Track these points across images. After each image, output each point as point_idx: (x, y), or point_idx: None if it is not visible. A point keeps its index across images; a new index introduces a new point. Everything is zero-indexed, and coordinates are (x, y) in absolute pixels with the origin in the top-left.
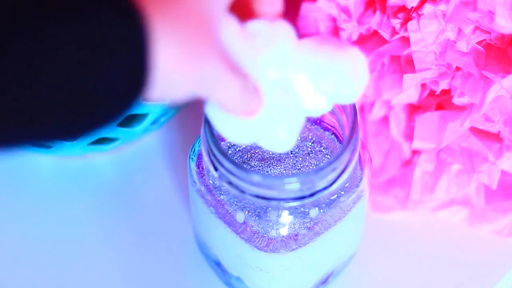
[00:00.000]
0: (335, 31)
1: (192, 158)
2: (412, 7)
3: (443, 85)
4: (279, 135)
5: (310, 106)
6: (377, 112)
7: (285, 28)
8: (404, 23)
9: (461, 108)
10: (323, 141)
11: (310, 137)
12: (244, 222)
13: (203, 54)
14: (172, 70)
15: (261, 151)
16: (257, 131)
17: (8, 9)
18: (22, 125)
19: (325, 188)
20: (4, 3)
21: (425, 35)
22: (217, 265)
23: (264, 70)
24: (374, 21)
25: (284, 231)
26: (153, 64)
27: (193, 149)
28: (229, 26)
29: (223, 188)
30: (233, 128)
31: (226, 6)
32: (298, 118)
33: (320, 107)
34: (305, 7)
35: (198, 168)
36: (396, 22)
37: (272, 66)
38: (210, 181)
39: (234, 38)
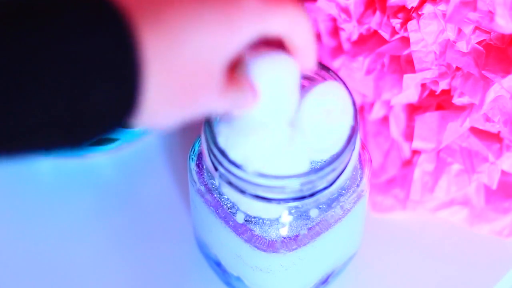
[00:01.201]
0: (335, 31)
1: (192, 158)
2: (412, 7)
3: (443, 85)
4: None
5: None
6: (377, 112)
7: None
8: (404, 23)
9: (461, 108)
10: None
11: None
12: (244, 223)
13: (195, 95)
14: (160, 109)
15: None
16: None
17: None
18: (8, 144)
19: (325, 188)
20: None
21: (425, 35)
22: (217, 265)
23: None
24: (374, 21)
25: (284, 231)
26: (141, 99)
27: (193, 149)
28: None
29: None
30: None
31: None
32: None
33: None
34: (305, 7)
35: (198, 168)
36: (396, 22)
37: None
38: (211, 181)
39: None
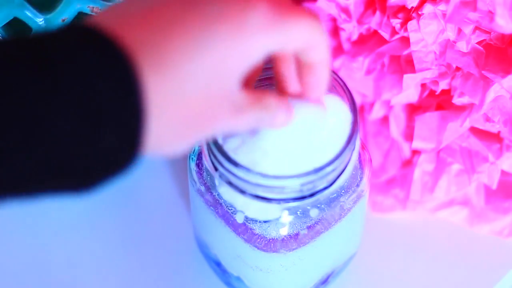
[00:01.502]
0: (335, 31)
1: (192, 158)
2: (412, 7)
3: (443, 85)
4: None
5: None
6: (377, 112)
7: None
8: (404, 23)
9: (461, 108)
10: None
11: None
12: (244, 223)
13: (208, 121)
14: (168, 143)
15: None
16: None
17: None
18: (15, 191)
19: (325, 188)
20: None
21: (425, 35)
22: (217, 265)
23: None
24: (374, 21)
25: (284, 231)
26: (146, 140)
27: (193, 149)
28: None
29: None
30: None
31: (240, 76)
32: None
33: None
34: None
35: (198, 168)
36: (396, 22)
37: None
38: (210, 181)
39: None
